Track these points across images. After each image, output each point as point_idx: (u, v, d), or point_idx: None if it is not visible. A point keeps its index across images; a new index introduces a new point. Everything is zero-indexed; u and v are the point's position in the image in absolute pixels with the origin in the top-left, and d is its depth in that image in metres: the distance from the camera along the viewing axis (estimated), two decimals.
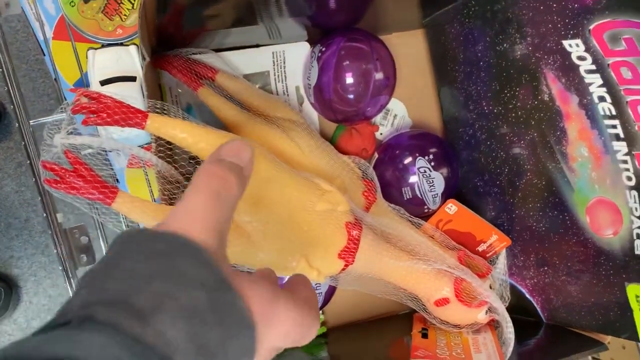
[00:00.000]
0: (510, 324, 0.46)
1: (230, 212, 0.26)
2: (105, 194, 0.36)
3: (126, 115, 0.35)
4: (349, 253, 0.43)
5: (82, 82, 0.53)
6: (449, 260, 0.47)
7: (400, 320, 0.57)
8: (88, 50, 0.48)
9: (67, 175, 0.35)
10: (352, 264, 0.44)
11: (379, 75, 0.50)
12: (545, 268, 0.49)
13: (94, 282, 0.21)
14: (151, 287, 0.20)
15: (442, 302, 0.47)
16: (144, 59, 0.34)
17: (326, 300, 0.51)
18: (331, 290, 0.52)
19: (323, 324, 0.55)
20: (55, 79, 0.64)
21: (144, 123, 0.35)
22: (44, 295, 1.06)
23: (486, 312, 0.47)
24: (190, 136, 0.37)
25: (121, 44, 0.48)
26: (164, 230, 0.23)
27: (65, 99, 0.66)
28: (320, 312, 0.54)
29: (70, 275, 0.62)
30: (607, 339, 0.45)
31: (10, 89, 0.51)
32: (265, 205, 0.40)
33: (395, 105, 0.58)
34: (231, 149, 0.28)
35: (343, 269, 0.44)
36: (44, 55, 0.62)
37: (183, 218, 0.24)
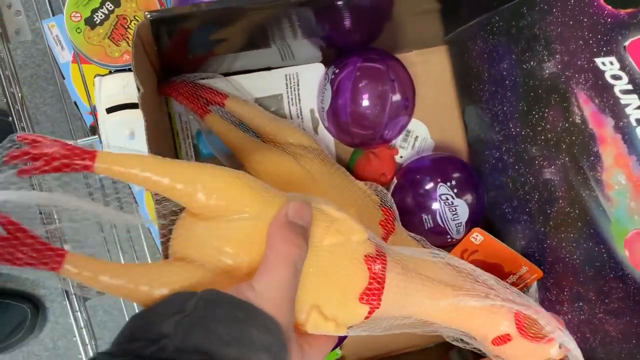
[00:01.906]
0: None
1: (300, 277, 0.30)
2: (51, 258, 0.29)
3: (69, 159, 0.29)
4: (372, 294, 0.35)
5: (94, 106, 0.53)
6: (502, 290, 0.39)
7: (424, 356, 0.54)
8: (95, 76, 0.47)
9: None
10: (378, 307, 0.35)
11: (396, 97, 0.47)
12: (581, 304, 0.45)
13: (188, 331, 0.25)
14: (229, 349, 0.25)
15: (502, 339, 0.39)
16: (139, 90, 0.32)
17: (341, 340, 0.48)
18: None
19: (341, 359, 0.52)
20: (74, 102, 0.64)
21: (91, 164, 0.29)
22: (70, 316, 1.06)
23: (560, 346, 0.40)
24: (154, 173, 0.30)
25: (129, 70, 0.47)
26: (245, 301, 0.27)
27: (85, 122, 0.66)
28: (338, 347, 0.51)
29: (83, 301, 0.62)
30: None
31: (15, 116, 0.50)
32: (258, 250, 0.32)
33: (417, 127, 0.55)
34: (297, 210, 0.31)
35: (368, 315, 0.35)
36: (64, 78, 0.62)
37: (265, 293, 0.28)
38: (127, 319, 0.28)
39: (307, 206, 0.31)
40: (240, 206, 0.32)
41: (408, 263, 0.38)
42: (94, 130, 0.60)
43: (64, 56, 0.61)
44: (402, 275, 0.37)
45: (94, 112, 0.49)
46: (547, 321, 0.38)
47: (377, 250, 0.35)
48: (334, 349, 0.49)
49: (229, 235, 0.32)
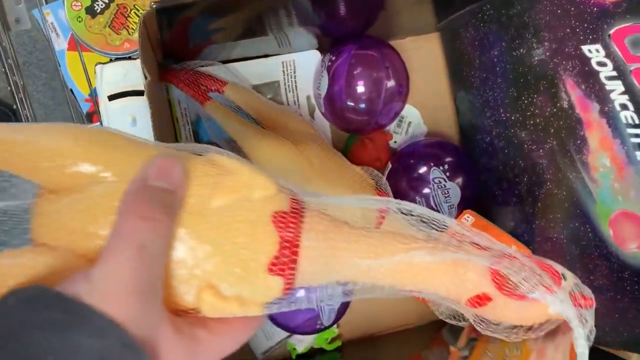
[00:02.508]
0: (582, 338, 0.30)
1: (161, 261, 0.24)
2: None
3: None
4: (284, 263, 0.28)
5: (96, 93, 0.53)
6: (470, 237, 0.31)
7: (418, 334, 0.56)
8: (96, 65, 0.48)
9: None
10: (293, 278, 0.28)
11: (390, 83, 0.48)
12: None
13: None
14: None
15: (480, 301, 0.31)
16: (145, 78, 0.34)
17: (340, 314, 0.50)
18: (345, 304, 0.51)
19: (337, 337, 0.54)
20: (71, 90, 0.65)
21: None
22: None
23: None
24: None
25: (129, 58, 0.48)
26: (71, 298, 0.21)
27: (81, 109, 0.67)
28: (335, 325, 0.53)
29: None
30: (633, 357, 0.43)
31: (19, 104, 0.51)
32: None
33: (410, 113, 0.56)
34: (160, 168, 0.24)
35: (287, 288, 0.29)
36: (59, 66, 0.62)
37: (100, 284, 0.22)
38: None
39: (177, 162, 0.25)
40: (91, 166, 0.25)
41: (341, 216, 0.31)
42: (90, 117, 0.60)
43: (59, 43, 0.61)
44: (330, 232, 0.29)
45: (94, 99, 0.50)
46: (526, 275, 0.29)
47: (292, 206, 0.28)
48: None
49: (91, 210, 0.26)
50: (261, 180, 0.28)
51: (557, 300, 0.29)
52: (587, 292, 0.31)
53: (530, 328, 0.31)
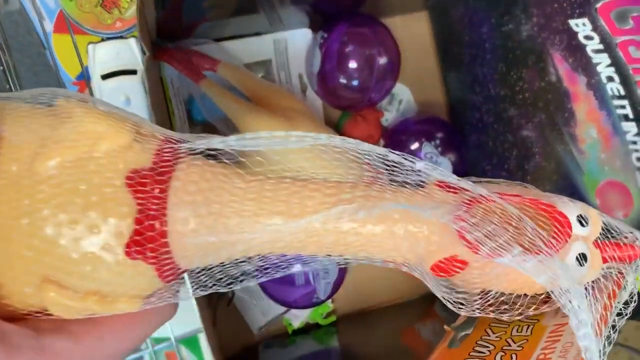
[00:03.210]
0: (585, 326, 0.20)
1: None
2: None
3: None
4: (145, 241, 0.21)
5: (84, 76, 0.53)
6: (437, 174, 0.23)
7: (411, 307, 0.57)
8: (88, 44, 0.47)
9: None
10: (167, 261, 0.22)
11: (382, 60, 0.49)
12: None
13: None
14: None
15: (451, 266, 0.23)
16: (144, 53, 0.34)
17: (335, 288, 0.51)
18: (340, 277, 0.52)
19: (332, 312, 0.55)
20: (57, 73, 0.64)
21: None
22: None
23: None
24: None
25: (121, 37, 0.48)
26: None
27: None
28: (330, 300, 0.54)
29: None
30: None
31: (12, 82, 0.50)
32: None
33: (401, 90, 0.57)
34: None
35: (166, 275, 0.22)
36: (45, 49, 0.62)
37: None
38: None
39: None
40: None
41: (247, 164, 0.23)
42: None
43: (46, 26, 0.61)
44: (216, 189, 0.22)
45: (87, 80, 0.50)
46: (494, 230, 0.21)
47: (157, 160, 0.21)
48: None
49: None
50: (108, 127, 0.20)
51: (538, 268, 0.20)
52: (633, 236, 0.24)
53: (527, 304, 0.23)
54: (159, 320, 0.24)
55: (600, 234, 0.24)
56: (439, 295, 0.24)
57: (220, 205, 0.22)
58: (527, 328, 0.27)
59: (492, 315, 0.24)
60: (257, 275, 0.24)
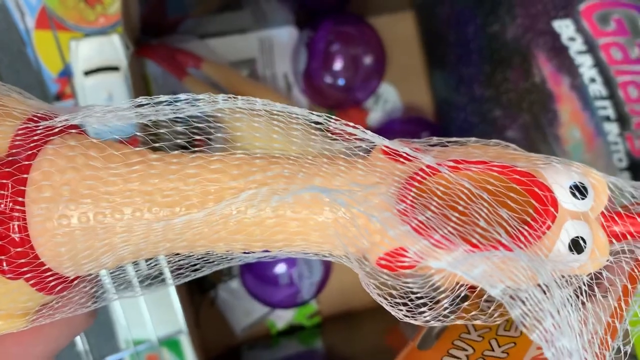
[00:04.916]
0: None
1: None
2: None
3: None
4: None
5: (66, 73, 0.52)
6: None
7: None
8: (70, 40, 0.47)
9: None
10: (47, 276, 0.18)
11: (368, 60, 0.49)
12: None
13: None
14: None
15: (396, 260, 0.18)
16: (127, 48, 0.33)
17: (319, 288, 0.50)
18: (324, 278, 0.51)
19: (317, 313, 0.55)
20: (38, 70, 0.63)
21: None
22: None
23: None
24: None
25: (104, 33, 0.47)
26: None
27: (49, 90, 0.65)
28: (315, 301, 0.54)
29: None
30: None
31: None
32: None
33: (386, 90, 0.57)
34: None
35: (43, 287, 0.18)
36: (25, 45, 0.61)
37: None
38: None
39: None
40: None
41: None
42: (59, 98, 0.59)
43: (27, 22, 0.60)
44: (88, 178, 0.17)
45: (69, 76, 0.49)
46: (432, 216, 0.17)
47: (19, 145, 0.17)
48: None
49: None
50: None
51: (491, 274, 0.15)
52: None
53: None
54: (66, 333, 0.21)
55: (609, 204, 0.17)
56: (377, 298, 0.19)
57: (92, 200, 0.17)
58: (517, 327, 0.20)
59: (459, 321, 0.18)
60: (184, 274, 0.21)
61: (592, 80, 0.39)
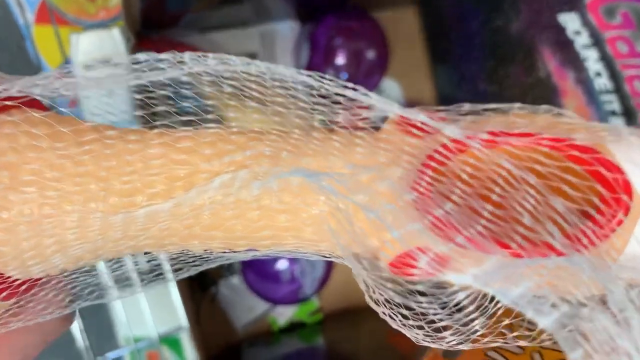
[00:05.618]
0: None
1: None
2: None
3: None
4: None
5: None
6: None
7: None
8: (71, 34, 0.46)
9: None
10: None
11: (371, 55, 0.49)
12: None
13: None
14: None
15: (407, 263, 0.14)
16: (128, 40, 0.33)
17: (320, 285, 0.50)
18: (326, 274, 0.51)
19: (319, 310, 0.55)
20: (37, 65, 0.63)
21: None
22: None
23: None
24: None
25: (105, 27, 0.47)
26: None
27: None
28: (316, 297, 0.54)
29: None
30: None
31: None
32: None
33: (389, 85, 0.57)
34: None
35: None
36: (24, 41, 0.60)
37: None
38: None
39: None
40: None
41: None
42: None
43: (26, 17, 0.60)
44: (32, 162, 0.14)
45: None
46: (465, 218, 0.13)
47: None
48: None
49: None
50: None
51: (535, 299, 0.10)
52: None
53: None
54: (35, 341, 0.18)
55: None
56: (389, 320, 0.15)
57: (36, 188, 0.14)
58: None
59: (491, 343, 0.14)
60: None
61: (598, 74, 0.38)
